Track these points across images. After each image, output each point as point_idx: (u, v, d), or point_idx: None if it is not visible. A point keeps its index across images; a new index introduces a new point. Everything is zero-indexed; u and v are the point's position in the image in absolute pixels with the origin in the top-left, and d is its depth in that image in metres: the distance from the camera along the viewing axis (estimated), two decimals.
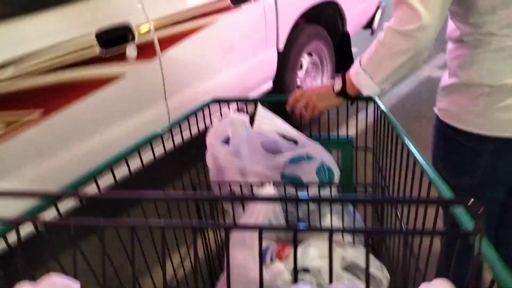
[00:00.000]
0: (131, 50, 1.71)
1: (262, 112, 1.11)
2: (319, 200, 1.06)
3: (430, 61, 4.03)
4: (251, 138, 1.07)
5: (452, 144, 1.04)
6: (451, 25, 1.01)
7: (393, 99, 3.34)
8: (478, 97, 0.95)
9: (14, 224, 0.54)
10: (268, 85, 2.62)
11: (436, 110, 1.08)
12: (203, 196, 1.01)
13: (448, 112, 1.03)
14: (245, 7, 2.23)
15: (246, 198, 0.96)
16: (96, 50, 1.61)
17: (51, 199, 0.64)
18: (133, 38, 1.72)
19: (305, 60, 2.87)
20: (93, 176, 0.78)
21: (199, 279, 1.22)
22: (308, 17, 2.77)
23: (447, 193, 0.63)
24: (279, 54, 2.59)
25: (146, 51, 1.78)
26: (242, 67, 2.32)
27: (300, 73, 2.85)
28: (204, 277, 1.25)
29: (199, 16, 1.99)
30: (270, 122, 1.10)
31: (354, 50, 3.15)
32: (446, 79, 1.04)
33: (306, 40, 2.76)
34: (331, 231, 0.50)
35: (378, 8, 3.31)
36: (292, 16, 2.61)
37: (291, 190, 1.10)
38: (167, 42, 1.86)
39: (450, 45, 1.02)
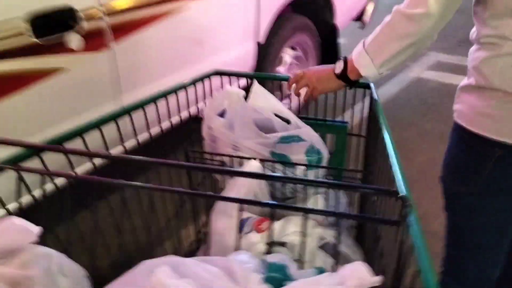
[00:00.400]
0: (74, 39, 1.43)
1: (258, 89, 1.14)
2: (282, 179, 1.03)
3: (421, 59, 3.82)
4: (244, 114, 1.10)
5: (459, 147, 1.05)
6: (474, 26, 1.00)
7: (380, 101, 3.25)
8: (489, 100, 0.94)
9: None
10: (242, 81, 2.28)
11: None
12: (190, 165, 1.05)
13: (460, 113, 1.03)
14: None
15: (228, 171, 1.00)
16: (29, 38, 1.33)
17: (33, 150, 0.68)
18: (78, 24, 1.44)
19: (288, 54, 2.61)
20: (79, 133, 0.78)
21: (187, 243, 1.27)
22: (295, 6, 2.55)
23: (402, 187, 0.64)
24: (259, 47, 2.32)
25: (95, 40, 1.50)
26: (213, 61, 2.00)
27: (282, 69, 2.61)
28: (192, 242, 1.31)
29: (163, 1, 1.71)
30: (264, 100, 1.13)
31: (341, 41, 2.98)
32: (464, 80, 1.03)
33: (290, 33, 2.52)
34: (305, 211, 0.53)
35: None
36: (276, 4, 2.35)
37: (280, 167, 1.13)
38: (123, 31, 1.58)
39: (472, 47, 1.02)
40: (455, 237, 1.13)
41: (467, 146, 1.02)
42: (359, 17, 3.16)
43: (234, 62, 2.16)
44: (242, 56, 2.26)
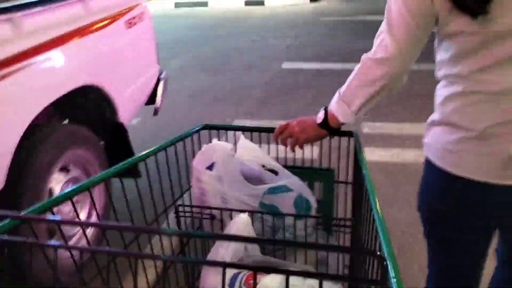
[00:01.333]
0: None
1: (244, 143, 1.17)
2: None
3: None
4: (232, 167, 1.12)
5: (431, 179, 1.07)
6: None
7: None
8: (452, 136, 0.97)
9: None
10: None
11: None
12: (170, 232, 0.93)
13: (428, 146, 1.06)
14: None
15: (208, 235, 1.03)
16: None
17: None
18: None
19: (57, 181, 1.80)
20: (55, 203, 0.78)
21: None
22: (58, 108, 1.96)
23: (383, 245, 0.64)
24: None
25: None
26: None
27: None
28: None
29: None
30: (251, 153, 1.16)
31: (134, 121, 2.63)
32: (432, 115, 1.06)
33: (56, 153, 1.74)
34: (287, 274, 0.54)
35: (158, 80, 2.67)
36: (26, 112, 1.61)
37: (269, 218, 1.15)
38: None
39: (438, 83, 1.05)
40: (435, 267, 1.15)
41: (436, 178, 1.04)
42: (150, 101, 2.66)
43: None
44: None
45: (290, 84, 4.78)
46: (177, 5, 10.66)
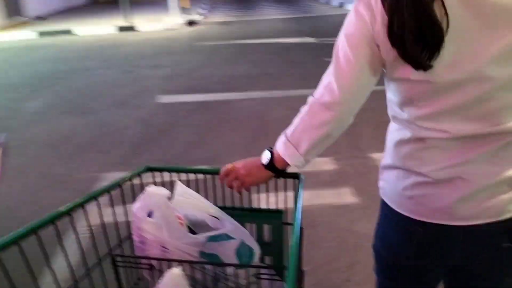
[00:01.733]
0: None
1: (182, 189, 1.13)
2: None
3: None
4: (169, 214, 1.07)
5: (388, 223, 1.06)
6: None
7: None
8: (406, 180, 0.97)
9: None
10: None
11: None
12: None
13: (384, 191, 1.05)
14: None
15: None
16: None
17: None
18: None
19: None
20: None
21: None
22: None
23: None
24: None
25: None
26: None
27: None
28: None
29: None
30: (188, 200, 1.11)
31: None
32: (384, 159, 1.06)
33: None
34: None
35: None
36: None
37: (211, 267, 1.09)
38: None
39: (389, 126, 1.05)
40: None
41: (393, 223, 1.03)
42: None
43: None
44: None
45: (168, 121, 4.28)
46: (42, 34, 9.72)
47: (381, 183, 1.06)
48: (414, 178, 0.95)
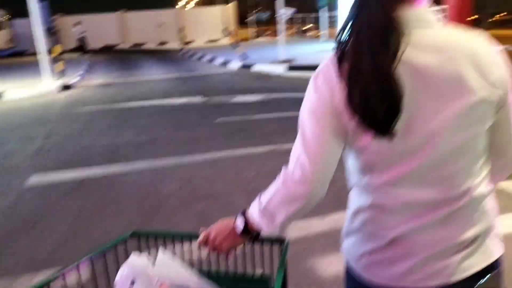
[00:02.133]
0: None
1: (163, 258, 1.12)
2: None
3: None
4: (150, 283, 1.07)
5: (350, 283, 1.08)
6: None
7: None
8: (366, 246, 0.99)
9: None
10: None
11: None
12: None
13: (346, 254, 1.07)
14: None
15: None
16: None
17: None
18: None
19: None
20: None
21: None
22: None
23: None
24: None
25: None
26: None
27: None
28: None
29: None
30: (170, 268, 1.11)
31: None
32: (347, 223, 1.07)
33: None
34: None
35: None
36: None
37: None
38: None
39: (350, 192, 1.07)
40: None
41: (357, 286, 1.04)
42: None
43: None
44: None
45: (40, 208, 3.52)
46: None
47: (344, 247, 1.08)
48: (374, 243, 0.97)
